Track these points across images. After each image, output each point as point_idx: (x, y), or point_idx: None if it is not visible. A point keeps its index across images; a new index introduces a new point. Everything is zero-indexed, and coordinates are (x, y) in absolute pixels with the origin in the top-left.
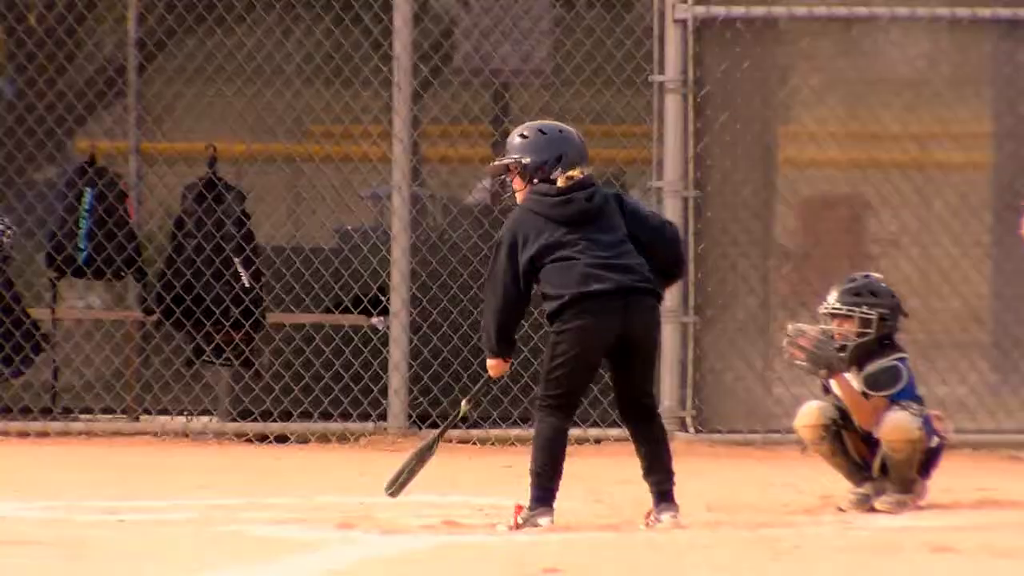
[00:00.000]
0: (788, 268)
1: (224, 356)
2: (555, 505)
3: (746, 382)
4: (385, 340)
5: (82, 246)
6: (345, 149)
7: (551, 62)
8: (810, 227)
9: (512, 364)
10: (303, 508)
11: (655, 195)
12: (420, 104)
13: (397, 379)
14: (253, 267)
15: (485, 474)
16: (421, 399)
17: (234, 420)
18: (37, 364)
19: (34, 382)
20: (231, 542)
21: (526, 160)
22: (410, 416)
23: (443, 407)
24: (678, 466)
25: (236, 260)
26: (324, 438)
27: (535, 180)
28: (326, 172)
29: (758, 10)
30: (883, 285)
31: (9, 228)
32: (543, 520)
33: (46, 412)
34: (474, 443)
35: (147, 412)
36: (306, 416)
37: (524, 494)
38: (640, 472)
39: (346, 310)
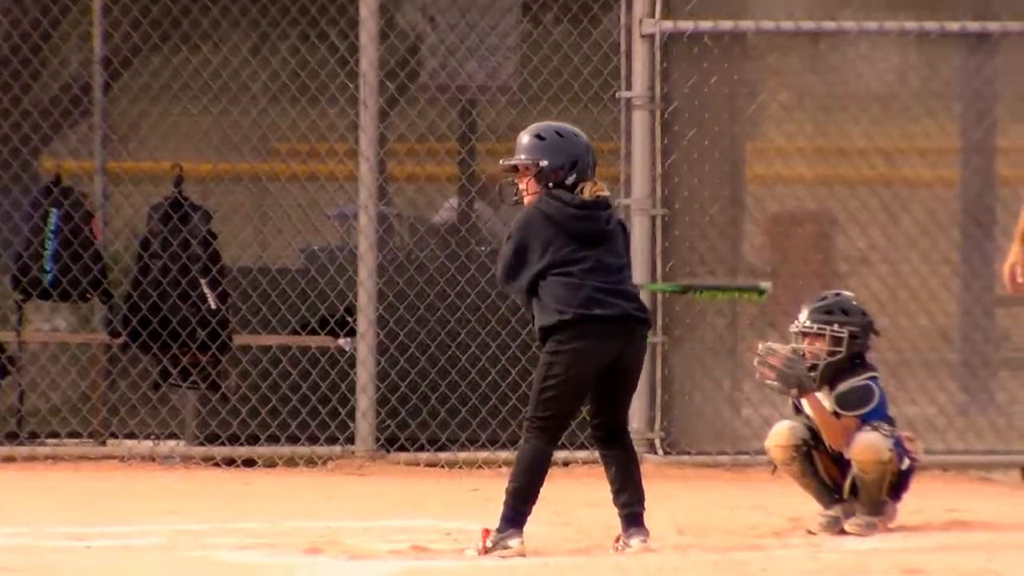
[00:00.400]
0: None
1: (190, 379)
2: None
3: (715, 403)
4: (352, 361)
5: (47, 267)
6: (311, 168)
7: (518, 78)
8: (778, 245)
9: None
10: (270, 533)
11: (623, 213)
12: (386, 122)
13: (364, 401)
14: (219, 288)
15: (453, 497)
16: (389, 421)
17: (201, 444)
18: (2, 388)
19: (0, 407)
20: (198, 567)
21: (544, 162)
22: (378, 439)
23: (411, 430)
24: (647, 488)
25: (202, 281)
26: (291, 462)
27: (550, 184)
28: (292, 191)
29: (726, 25)
30: (854, 303)
31: None
32: (513, 542)
33: (12, 437)
34: (442, 466)
35: (113, 436)
36: (273, 440)
37: (492, 518)
38: (609, 495)
39: (313, 331)
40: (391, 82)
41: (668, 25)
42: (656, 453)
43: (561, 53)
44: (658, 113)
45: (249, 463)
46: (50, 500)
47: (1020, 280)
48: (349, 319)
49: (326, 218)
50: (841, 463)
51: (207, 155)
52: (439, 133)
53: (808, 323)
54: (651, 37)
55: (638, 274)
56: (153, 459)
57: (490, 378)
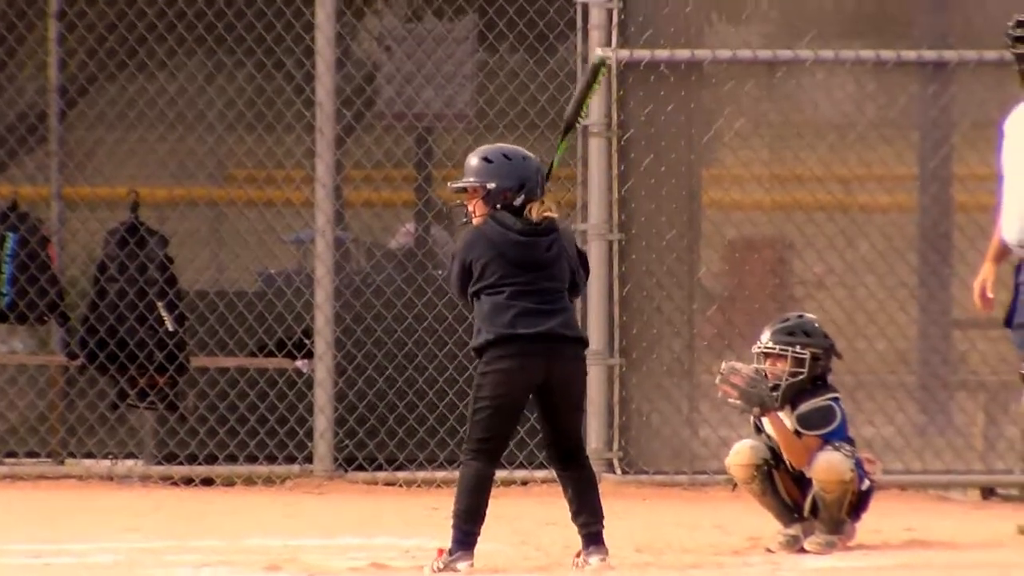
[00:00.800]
0: (713, 310)
1: (148, 400)
2: (475, 550)
3: (672, 424)
4: (310, 383)
5: (4, 291)
6: (268, 194)
7: (474, 106)
8: (735, 269)
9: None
10: (230, 550)
11: (580, 238)
12: (343, 149)
13: (323, 422)
14: (177, 311)
15: (411, 516)
16: (347, 442)
17: (159, 463)
18: None
19: None
20: None
21: (491, 185)
22: (336, 459)
23: (369, 449)
24: (606, 507)
25: (159, 304)
26: (250, 481)
27: (497, 206)
28: (249, 217)
29: (682, 53)
30: (816, 325)
31: None
32: (461, 565)
33: None
34: (400, 485)
35: (72, 456)
36: (232, 459)
37: (449, 537)
38: (568, 514)
39: (270, 354)
40: (347, 110)
41: (624, 54)
42: (615, 472)
43: (518, 81)
44: (614, 140)
45: (207, 482)
46: (8, 518)
47: (989, 296)
48: (306, 341)
49: (283, 243)
50: (801, 483)
51: (163, 181)
52: (395, 160)
53: (770, 344)
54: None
55: (595, 297)
56: (111, 478)
57: (447, 399)
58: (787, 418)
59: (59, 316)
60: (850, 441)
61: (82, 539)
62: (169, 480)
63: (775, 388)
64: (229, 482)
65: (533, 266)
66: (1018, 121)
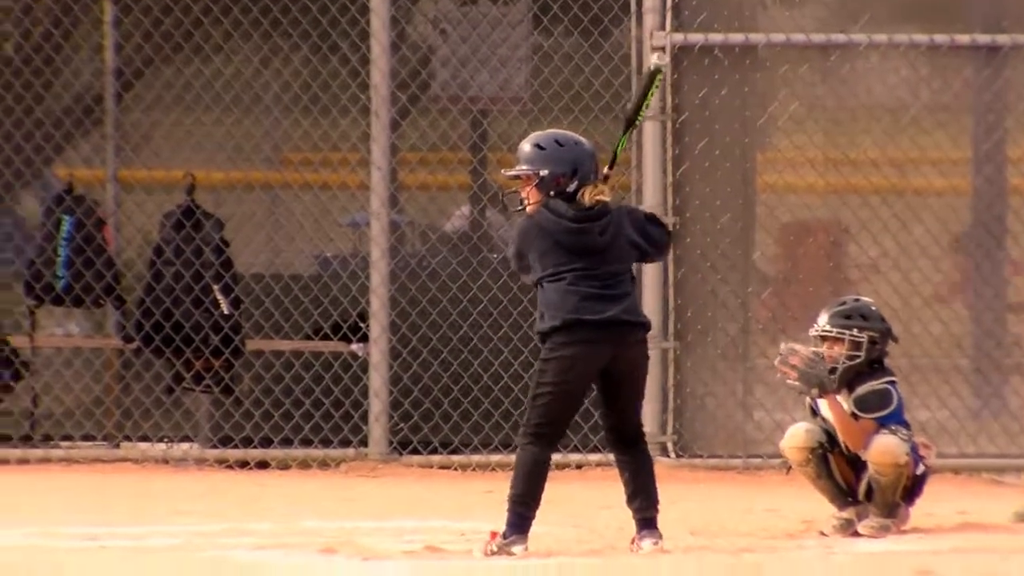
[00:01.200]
0: (767, 294)
1: (204, 383)
2: (529, 533)
3: (727, 407)
4: (365, 367)
5: (60, 274)
6: (324, 177)
7: (529, 89)
8: (789, 253)
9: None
10: (285, 534)
11: None
12: (398, 132)
13: (378, 405)
14: (232, 294)
15: (466, 499)
16: (402, 425)
17: (215, 447)
18: (16, 391)
19: (14, 409)
20: (212, 568)
21: (544, 172)
22: (391, 442)
23: (424, 433)
24: (660, 491)
25: (215, 287)
26: (305, 464)
27: (551, 193)
28: (305, 200)
29: (736, 37)
30: (874, 308)
31: None
32: (516, 548)
33: (26, 439)
34: (455, 468)
35: (127, 439)
36: (287, 443)
37: (504, 520)
38: (622, 497)
39: (326, 337)
40: (403, 93)
41: (679, 37)
42: (669, 456)
43: (572, 65)
44: (669, 124)
45: (262, 465)
46: (64, 501)
47: None
48: (362, 325)
49: (338, 226)
50: (856, 466)
51: (220, 164)
52: (450, 143)
53: (828, 327)
54: (662, 49)
55: (649, 281)
56: (167, 462)
57: (502, 382)
58: (844, 401)
59: (115, 299)
60: (906, 425)
61: (137, 522)
62: (224, 463)
63: (832, 371)
64: (284, 465)
65: (589, 251)
66: None
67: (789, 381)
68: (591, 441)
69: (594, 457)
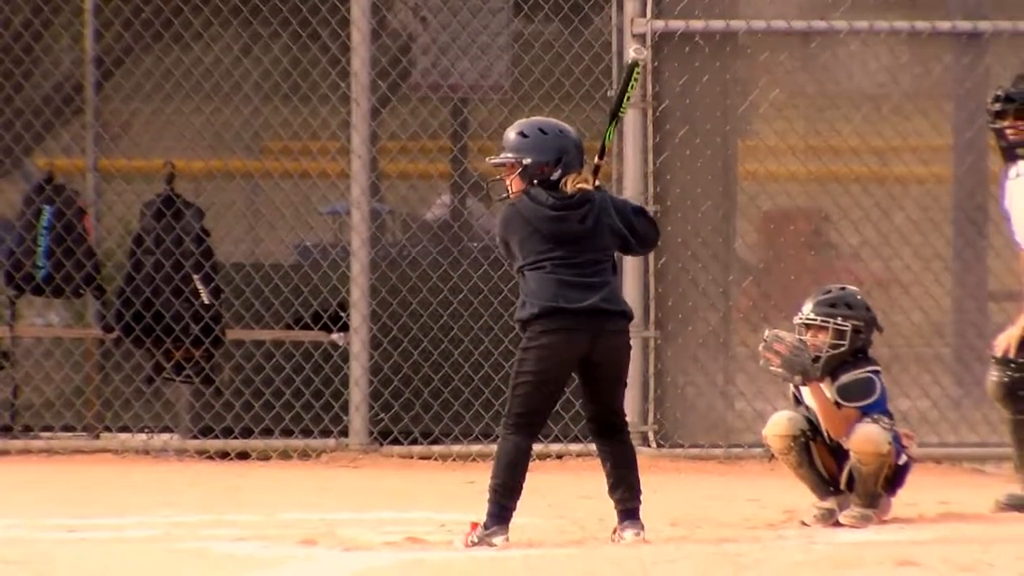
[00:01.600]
0: (748, 282)
1: (184, 373)
2: (510, 524)
3: (708, 397)
4: (345, 356)
5: (40, 264)
6: (303, 165)
7: (509, 77)
8: (770, 241)
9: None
10: (265, 525)
11: None
12: (378, 120)
13: (358, 395)
14: (212, 284)
15: (447, 490)
16: (382, 415)
17: (195, 437)
18: None
19: None
20: (193, 559)
21: (527, 160)
22: (371, 432)
23: (404, 423)
24: (641, 481)
25: (195, 277)
26: (285, 455)
27: (535, 181)
28: (285, 189)
29: (717, 24)
30: (859, 298)
31: None
32: (497, 539)
33: (6, 430)
34: (436, 459)
35: (108, 430)
36: (267, 433)
37: (485, 510)
38: (604, 487)
39: (306, 326)
40: (383, 81)
41: (659, 24)
42: (650, 446)
43: (552, 52)
44: (650, 111)
45: (243, 456)
46: (45, 492)
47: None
48: (342, 314)
49: (318, 215)
50: (838, 456)
51: (199, 153)
52: (431, 131)
53: (812, 315)
54: (642, 36)
55: (630, 269)
56: (147, 452)
57: (483, 372)
58: (827, 389)
59: (95, 289)
60: (889, 415)
61: (117, 513)
62: (205, 454)
63: (816, 360)
64: (264, 456)
65: (568, 239)
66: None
67: (772, 367)
68: (572, 431)
69: (575, 447)
